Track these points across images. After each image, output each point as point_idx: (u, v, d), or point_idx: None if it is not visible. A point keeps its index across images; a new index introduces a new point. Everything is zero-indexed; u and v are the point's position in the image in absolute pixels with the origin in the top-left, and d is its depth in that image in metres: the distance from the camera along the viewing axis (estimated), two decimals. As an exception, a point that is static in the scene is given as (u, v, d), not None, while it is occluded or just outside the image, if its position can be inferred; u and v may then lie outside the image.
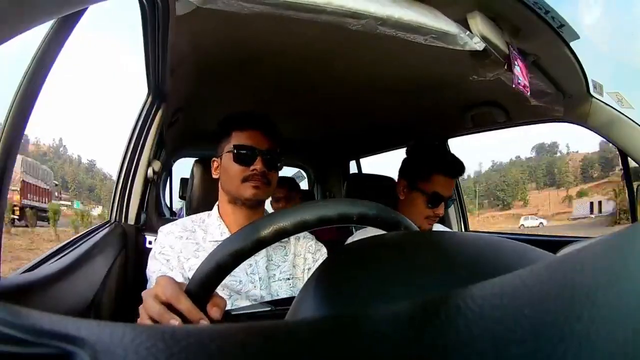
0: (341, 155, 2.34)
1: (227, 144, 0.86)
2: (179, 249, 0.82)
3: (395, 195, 1.15)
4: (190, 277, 0.44)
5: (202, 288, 0.42)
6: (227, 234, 0.84)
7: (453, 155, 1.16)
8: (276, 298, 0.82)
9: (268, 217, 0.41)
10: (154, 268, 0.81)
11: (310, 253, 0.90)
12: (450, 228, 1.77)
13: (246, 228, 0.41)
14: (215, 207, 0.91)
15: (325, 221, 0.41)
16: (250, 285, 0.81)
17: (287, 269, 0.86)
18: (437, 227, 1.32)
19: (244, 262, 0.85)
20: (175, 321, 0.42)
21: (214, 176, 0.91)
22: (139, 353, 0.12)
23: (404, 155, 1.20)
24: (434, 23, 0.79)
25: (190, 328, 0.13)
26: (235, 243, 0.40)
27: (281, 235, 0.40)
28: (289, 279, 0.86)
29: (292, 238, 0.90)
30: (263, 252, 0.85)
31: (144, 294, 0.47)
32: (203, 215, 0.90)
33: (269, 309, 0.65)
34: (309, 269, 0.88)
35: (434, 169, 1.08)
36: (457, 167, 1.12)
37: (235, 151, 0.84)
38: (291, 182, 1.99)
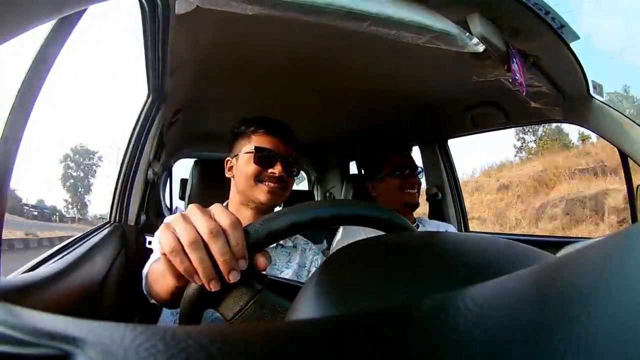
0: (341, 155, 2.34)
1: (247, 145, 0.86)
2: None
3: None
4: None
5: (267, 236, 0.38)
6: None
7: (392, 136, 1.32)
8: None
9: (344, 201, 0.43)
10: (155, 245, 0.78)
11: (315, 267, 0.89)
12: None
13: (327, 201, 0.42)
14: (226, 204, 0.91)
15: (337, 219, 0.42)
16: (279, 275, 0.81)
17: (290, 276, 0.86)
18: (443, 226, 1.33)
19: None
20: (202, 257, 0.35)
21: (227, 176, 0.91)
22: (139, 353, 0.12)
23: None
24: (434, 24, 0.79)
25: (190, 329, 0.13)
26: (316, 210, 0.40)
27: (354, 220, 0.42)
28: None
29: (298, 247, 0.91)
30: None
31: (189, 208, 0.39)
32: None
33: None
34: (308, 271, 0.88)
35: (383, 155, 1.23)
36: (402, 145, 1.27)
37: (256, 152, 0.84)
38: None
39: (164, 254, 0.37)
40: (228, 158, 0.92)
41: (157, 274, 0.54)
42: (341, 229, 1.23)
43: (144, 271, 0.71)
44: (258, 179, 0.83)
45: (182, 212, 0.39)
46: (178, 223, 0.37)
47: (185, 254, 0.36)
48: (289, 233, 0.39)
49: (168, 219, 0.84)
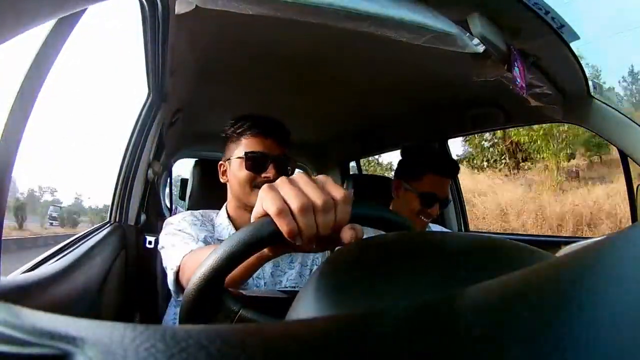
0: (341, 155, 2.34)
1: (237, 148, 0.83)
2: (195, 233, 0.78)
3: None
4: None
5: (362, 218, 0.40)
6: None
7: (448, 155, 1.15)
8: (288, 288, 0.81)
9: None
10: (174, 240, 0.75)
11: (317, 266, 0.89)
12: (450, 229, 1.77)
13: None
14: (224, 209, 0.88)
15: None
16: (256, 289, 0.81)
17: (294, 277, 0.86)
18: (435, 228, 1.32)
19: None
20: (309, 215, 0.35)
21: (222, 180, 0.88)
22: (138, 353, 0.12)
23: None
24: (434, 24, 0.79)
25: (190, 329, 0.13)
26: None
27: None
28: (294, 287, 0.85)
29: None
30: None
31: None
32: (210, 213, 0.88)
33: (283, 297, 0.64)
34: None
35: (426, 168, 1.08)
36: (450, 166, 1.12)
37: (246, 158, 0.81)
38: None
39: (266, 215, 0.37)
40: (221, 162, 0.89)
41: None
42: None
43: (174, 264, 0.69)
44: (252, 185, 0.80)
45: (287, 177, 0.38)
46: (286, 186, 0.37)
47: (293, 216, 0.36)
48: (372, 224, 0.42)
49: (171, 219, 0.84)
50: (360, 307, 0.22)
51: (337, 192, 0.37)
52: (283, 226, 0.35)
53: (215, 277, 0.39)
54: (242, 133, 0.83)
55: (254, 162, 0.81)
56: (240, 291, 0.49)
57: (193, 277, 0.40)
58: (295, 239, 0.36)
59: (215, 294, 0.41)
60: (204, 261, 0.40)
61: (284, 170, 0.82)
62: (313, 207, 0.36)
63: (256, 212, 0.38)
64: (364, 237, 0.38)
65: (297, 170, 2.76)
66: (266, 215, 0.37)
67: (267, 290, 0.77)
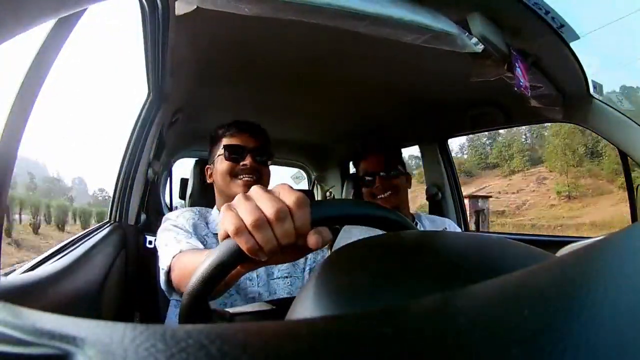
0: (341, 155, 2.34)
1: (218, 148, 0.93)
2: (191, 229, 0.83)
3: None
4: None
5: (326, 219, 0.39)
6: None
7: (374, 137, 1.29)
8: (275, 297, 0.82)
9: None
10: (168, 237, 0.77)
11: (312, 253, 0.90)
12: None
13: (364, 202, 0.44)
14: (216, 208, 0.94)
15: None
16: (249, 282, 0.82)
17: (286, 267, 0.87)
18: (440, 221, 1.33)
19: None
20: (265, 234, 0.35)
21: (209, 181, 0.97)
22: (138, 353, 0.12)
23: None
24: (433, 24, 0.79)
25: (190, 329, 0.13)
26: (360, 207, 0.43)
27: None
28: (287, 277, 0.86)
29: None
30: None
31: (252, 188, 0.39)
32: (203, 210, 0.93)
33: (269, 308, 0.65)
34: (310, 268, 0.89)
35: (355, 160, 1.24)
36: (376, 143, 1.25)
37: (225, 151, 0.90)
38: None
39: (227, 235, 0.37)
40: (207, 166, 0.98)
41: (194, 263, 0.52)
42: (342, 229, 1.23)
43: (165, 264, 0.71)
44: (232, 174, 0.89)
45: (244, 194, 0.38)
46: (241, 204, 0.37)
47: (250, 233, 0.36)
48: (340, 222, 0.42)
49: (170, 214, 0.86)
50: (360, 307, 0.22)
51: (290, 198, 0.36)
52: (242, 244, 0.36)
53: (198, 301, 0.40)
54: (221, 135, 0.94)
55: (232, 153, 0.90)
56: (227, 310, 0.50)
57: (181, 302, 0.41)
58: (257, 255, 0.36)
59: (203, 315, 0.42)
60: (187, 287, 0.40)
61: (260, 159, 0.91)
62: (267, 220, 0.35)
63: (220, 234, 0.38)
64: (364, 237, 0.38)
65: (298, 169, 2.75)
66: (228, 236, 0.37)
67: (253, 304, 0.78)
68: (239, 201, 0.37)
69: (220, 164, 0.91)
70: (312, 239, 0.37)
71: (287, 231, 0.36)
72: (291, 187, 0.38)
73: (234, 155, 0.90)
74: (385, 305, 0.19)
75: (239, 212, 0.36)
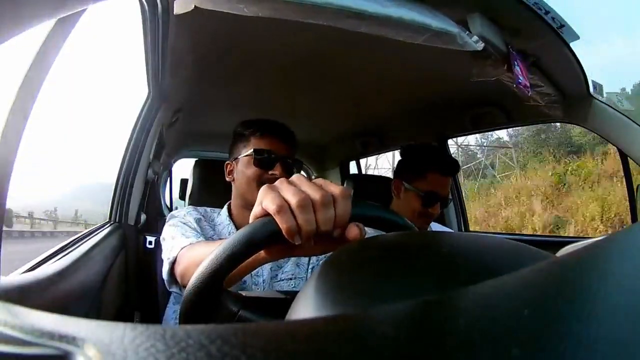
0: (341, 155, 2.34)
1: (245, 148, 0.86)
2: (199, 228, 0.79)
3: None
4: None
5: (363, 218, 0.40)
6: None
7: (448, 154, 1.15)
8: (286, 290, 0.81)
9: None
10: (175, 231, 0.75)
11: (318, 261, 0.89)
12: (450, 228, 1.77)
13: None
14: (226, 208, 0.89)
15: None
16: (254, 287, 0.81)
17: (290, 269, 0.86)
18: (436, 227, 1.32)
19: None
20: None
21: (228, 179, 0.90)
22: (138, 353, 0.12)
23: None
24: (433, 23, 0.79)
25: (190, 329, 0.13)
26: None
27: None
28: (291, 279, 0.85)
29: None
30: None
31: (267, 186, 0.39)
32: (212, 212, 0.89)
33: (282, 297, 0.64)
34: (312, 268, 0.88)
35: (428, 166, 1.08)
36: (451, 165, 1.12)
37: (255, 155, 0.83)
38: None
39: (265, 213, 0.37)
40: (227, 162, 0.90)
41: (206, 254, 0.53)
42: None
43: (172, 254, 0.69)
44: (259, 181, 0.82)
45: (287, 179, 0.39)
46: (284, 186, 0.37)
47: (292, 213, 0.36)
48: (373, 224, 0.42)
49: (176, 212, 0.84)
50: (360, 307, 0.22)
51: (336, 188, 0.38)
52: (282, 223, 0.36)
53: (214, 278, 0.39)
54: (251, 133, 0.86)
55: (262, 160, 0.83)
56: (240, 292, 0.49)
57: (192, 277, 0.40)
58: (294, 238, 0.36)
59: (214, 294, 0.41)
60: (203, 262, 0.39)
61: (290, 170, 0.84)
62: (312, 204, 0.36)
63: (255, 212, 0.38)
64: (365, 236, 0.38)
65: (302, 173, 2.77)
66: (265, 215, 0.37)
67: (266, 291, 0.77)
68: (281, 183, 0.38)
69: (247, 168, 0.84)
70: (353, 231, 0.38)
71: (329, 218, 0.36)
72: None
73: (264, 162, 0.82)
74: (385, 305, 0.19)
75: (282, 193, 0.37)
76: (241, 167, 0.85)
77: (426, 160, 1.10)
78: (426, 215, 1.08)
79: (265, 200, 0.37)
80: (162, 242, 0.79)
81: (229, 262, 0.38)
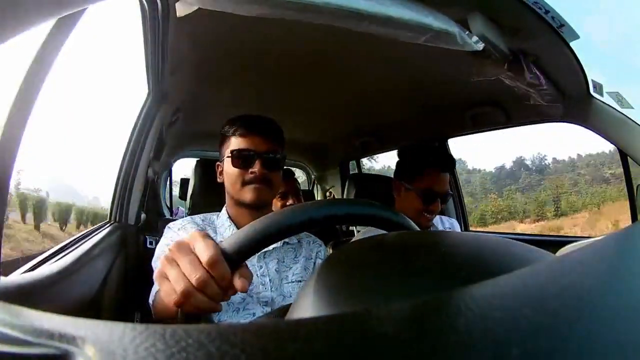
0: (341, 155, 2.34)
1: (227, 148, 0.86)
2: None
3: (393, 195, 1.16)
4: None
5: (238, 254, 0.40)
6: None
7: (445, 150, 1.16)
8: (288, 301, 0.80)
9: (319, 201, 0.42)
10: (161, 256, 0.77)
11: (320, 259, 0.90)
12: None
13: (296, 207, 0.42)
14: (224, 209, 0.90)
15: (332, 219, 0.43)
16: (262, 287, 0.81)
17: (299, 271, 0.86)
18: (445, 220, 1.32)
19: (254, 264, 0.83)
20: (200, 295, 0.39)
21: (219, 180, 0.91)
22: (138, 353, 0.12)
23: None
24: (433, 23, 0.79)
25: (190, 328, 0.13)
26: (284, 219, 0.40)
27: (330, 220, 0.42)
28: (300, 281, 0.85)
29: (303, 241, 0.91)
30: (274, 253, 0.85)
31: (174, 245, 0.42)
32: (211, 216, 0.90)
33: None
34: None
35: (424, 165, 1.10)
36: (447, 161, 1.14)
37: (232, 156, 0.84)
38: (285, 172, 1.98)
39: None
40: (218, 163, 0.91)
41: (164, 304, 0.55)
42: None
43: (153, 292, 0.72)
44: (242, 181, 0.83)
45: (168, 253, 0.41)
46: (170, 270, 0.40)
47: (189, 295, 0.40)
48: (278, 238, 0.41)
49: (173, 224, 0.84)
50: (360, 307, 0.22)
51: (203, 258, 0.39)
52: (187, 307, 0.40)
53: None
54: (232, 133, 0.86)
55: (240, 159, 0.84)
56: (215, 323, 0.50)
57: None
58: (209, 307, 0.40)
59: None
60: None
61: (271, 166, 0.84)
62: (195, 288, 0.39)
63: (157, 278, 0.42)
64: (365, 236, 0.38)
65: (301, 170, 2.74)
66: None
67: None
68: (170, 264, 0.41)
69: (228, 169, 0.85)
70: (238, 284, 0.40)
71: (213, 290, 0.39)
72: (205, 236, 0.41)
73: (242, 162, 0.83)
74: (385, 305, 0.19)
75: (170, 278, 0.40)
76: (226, 168, 0.86)
77: (422, 159, 1.12)
78: (428, 213, 1.09)
79: (162, 287, 0.41)
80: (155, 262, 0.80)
81: None
